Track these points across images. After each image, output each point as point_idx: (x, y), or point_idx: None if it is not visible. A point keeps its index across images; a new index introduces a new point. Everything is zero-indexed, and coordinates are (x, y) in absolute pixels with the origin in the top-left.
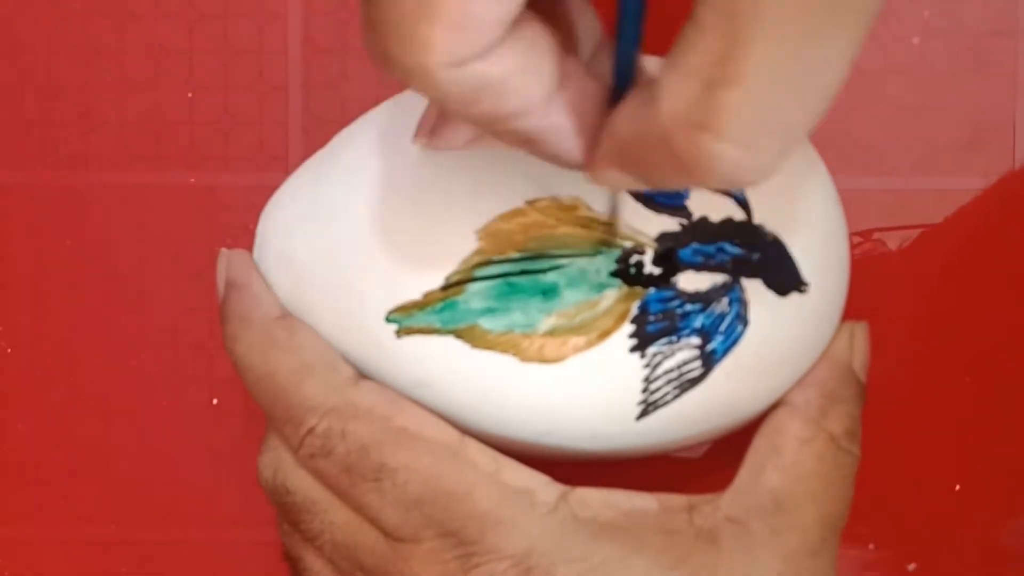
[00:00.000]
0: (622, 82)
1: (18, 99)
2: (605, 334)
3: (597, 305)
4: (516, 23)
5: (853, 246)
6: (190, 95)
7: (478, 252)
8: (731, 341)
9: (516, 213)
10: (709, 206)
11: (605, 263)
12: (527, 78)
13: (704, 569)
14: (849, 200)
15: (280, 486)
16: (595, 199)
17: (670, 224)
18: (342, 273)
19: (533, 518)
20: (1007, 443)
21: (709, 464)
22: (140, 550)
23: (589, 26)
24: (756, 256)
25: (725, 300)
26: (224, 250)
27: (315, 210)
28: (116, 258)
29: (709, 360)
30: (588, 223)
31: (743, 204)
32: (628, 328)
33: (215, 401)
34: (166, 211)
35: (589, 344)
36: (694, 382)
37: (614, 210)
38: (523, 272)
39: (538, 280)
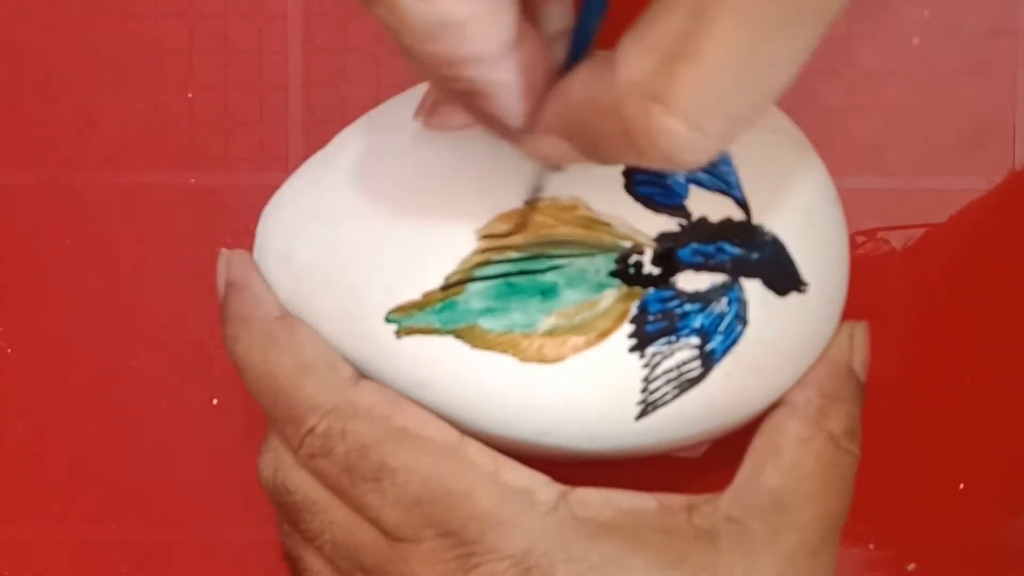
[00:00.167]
0: (579, 50)
1: (18, 99)
2: (604, 334)
3: (596, 305)
4: None
5: (856, 245)
6: (190, 95)
7: (478, 252)
8: (730, 341)
9: (516, 213)
10: (708, 206)
11: (604, 263)
12: (487, 26)
13: (703, 569)
14: (849, 200)
15: (280, 486)
16: (595, 199)
17: (669, 224)
18: (342, 273)
19: (533, 518)
20: (1007, 443)
21: (709, 464)
22: (140, 550)
23: (558, 9)
24: (755, 256)
25: (724, 300)
26: (224, 250)
27: (315, 210)
28: (116, 258)
29: (708, 360)
30: (587, 223)
31: (742, 204)
32: (627, 328)
33: (215, 401)
34: (166, 211)
35: (588, 344)
36: (693, 382)
37: (536, 191)
38: (522, 272)
39: (537, 280)
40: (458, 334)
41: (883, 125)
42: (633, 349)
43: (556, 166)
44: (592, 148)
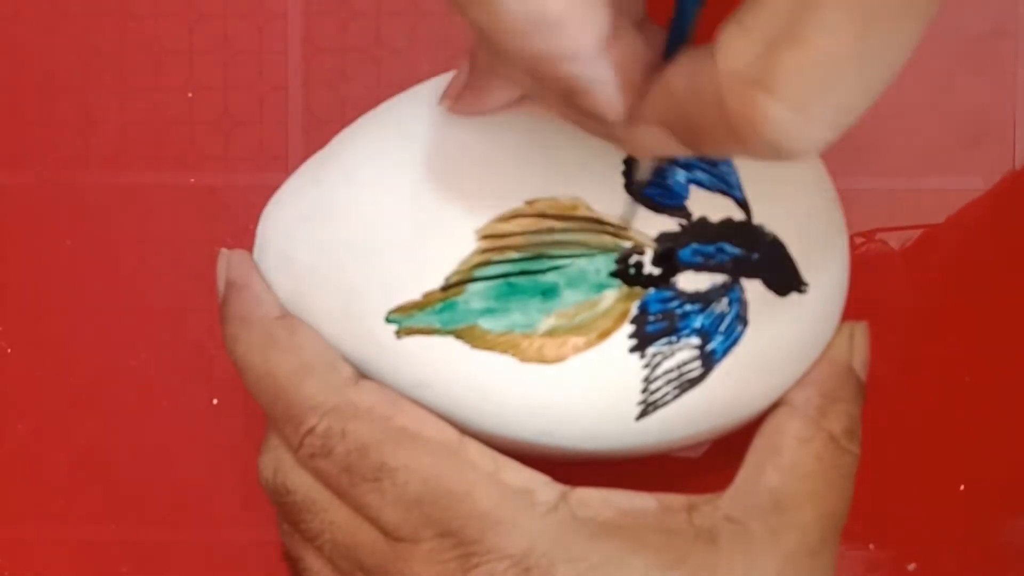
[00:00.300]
0: (678, 41)
1: (18, 99)
2: (605, 334)
3: (597, 305)
4: None
5: (856, 246)
6: (190, 95)
7: (478, 252)
8: (731, 341)
9: (516, 213)
10: (708, 206)
11: (605, 263)
12: (583, 22)
13: (703, 569)
14: (848, 200)
15: (280, 486)
16: (595, 199)
17: (670, 224)
18: (342, 273)
19: (533, 518)
20: (1007, 443)
21: (709, 464)
22: (140, 550)
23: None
24: (755, 256)
25: (725, 300)
26: (224, 250)
27: (315, 210)
28: (116, 258)
29: (709, 360)
30: (588, 223)
31: (742, 204)
32: (628, 328)
33: (215, 401)
34: (166, 211)
35: (589, 344)
36: (694, 382)
37: (629, 214)
38: (523, 272)
39: (538, 280)
40: (458, 334)
41: (883, 125)
42: (633, 349)
43: (657, 159)
44: (696, 139)
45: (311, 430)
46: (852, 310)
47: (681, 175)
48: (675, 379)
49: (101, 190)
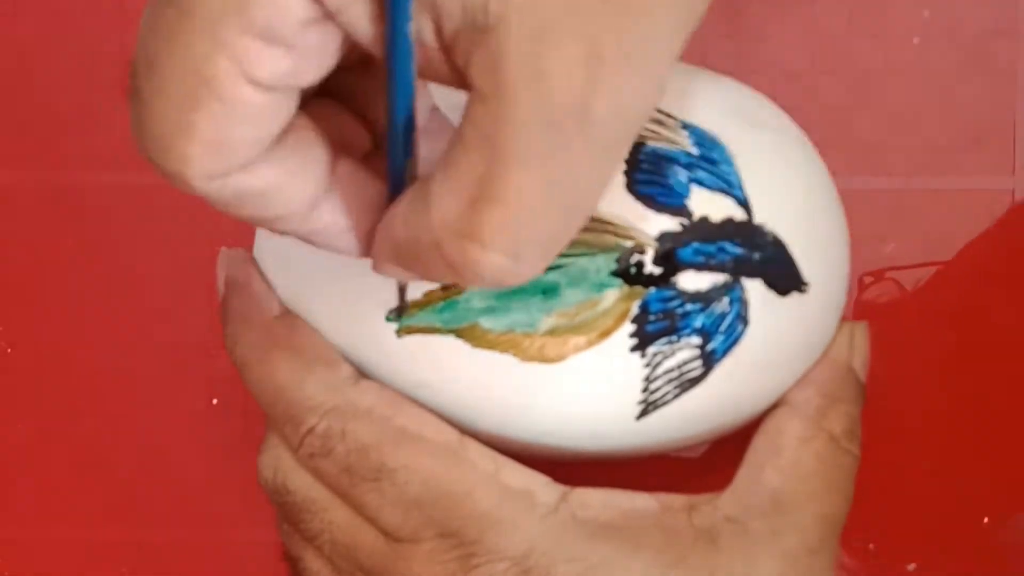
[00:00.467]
0: (395, 184)
1: (18, 99)
2: (605, 334)
3: (597, 304)
4: (284, 133)
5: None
6: None
7: None
8: (731, 341)
9: None
10: (710, 206)
11: (605, 262)
12: (289, 188)
13: (703, 569)
14: (849, 200)
15: (280, 486)
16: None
17: (670, 224)
18: (342, 272)
19: (533, 519)
20: (1008, 442)
21: (709, 463)
22: (139, 550)
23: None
24: (757, 256)
25: (725, 300)
26: (224, 249)
27: None
28: (116, 258)
29: (709, 360)
30: (589, 222)
31: (744, 204)
32: (628, 328)
33: (215, 401)
34: (166, 211)
35: (589, 344)
36: (694, 382)
37: (402, 297)
38: None
39: (538, 279)
40: (459, 333)
41: (884, 125)
42: (634, 349)
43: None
44: (428, 276)
45: (311, 430)
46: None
47: (682, 174)
48: (675, 379)
49: (101, 190)
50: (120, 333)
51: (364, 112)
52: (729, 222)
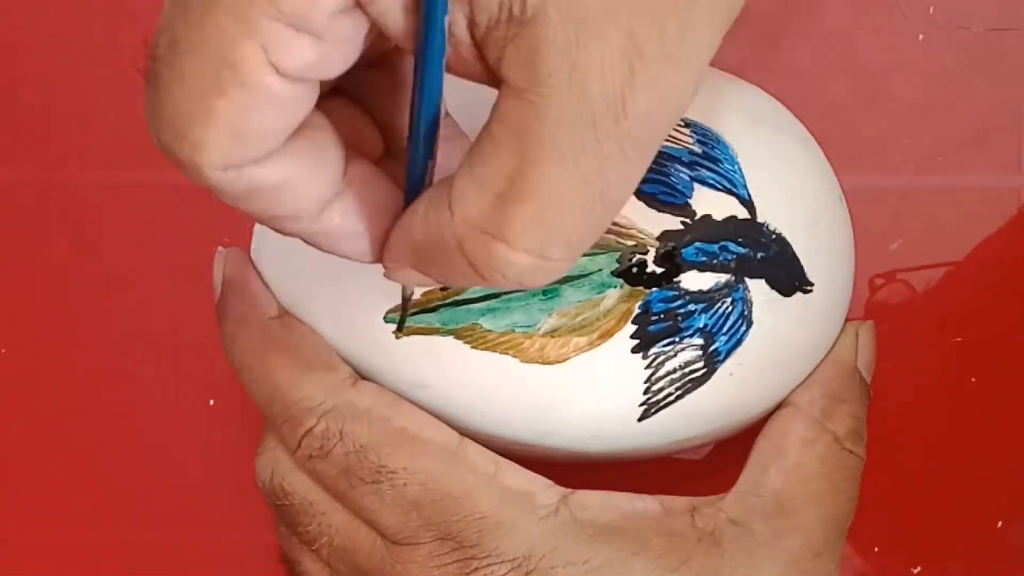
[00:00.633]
0: (414, 185)
1: (14, 96)
2: (607, 334)
3: (599, 305)
4: (299, 129)
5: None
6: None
7: None
8: (734, 341)
9: None
10: (712, 205)
11: (607, 262)
12: (302, 186)
13: (706, 571)
14: (854, 199)
15: (277, 488)
16: None
17: (672, 223)
18: (340, 272)
19: (533, 521)
20: (1014, 445)
21: (711, 465)
22: (136, 551)
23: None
24: (760, 255)
25: (728, 300)
26: (221, 249)
27: None
28: (112, 257)
29: (712, 360)
30: None
31: (747, 203)
32: (630, 328)
33: (212, 402)
34: (163, 209)
35: (591, 344)
36: (697, 383)
37: (405, 300)
38: None
39: None
40: (458, 334)
41: (889, 122)
42: (636, 349)
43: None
44: (446, 279)
45: (309, 431)
46: (856, 311)
47: (685, 173)
48: (678, 380)
49: (97, 188)
50: (117, 333)
51: (376, 114)
52: (732, 221)
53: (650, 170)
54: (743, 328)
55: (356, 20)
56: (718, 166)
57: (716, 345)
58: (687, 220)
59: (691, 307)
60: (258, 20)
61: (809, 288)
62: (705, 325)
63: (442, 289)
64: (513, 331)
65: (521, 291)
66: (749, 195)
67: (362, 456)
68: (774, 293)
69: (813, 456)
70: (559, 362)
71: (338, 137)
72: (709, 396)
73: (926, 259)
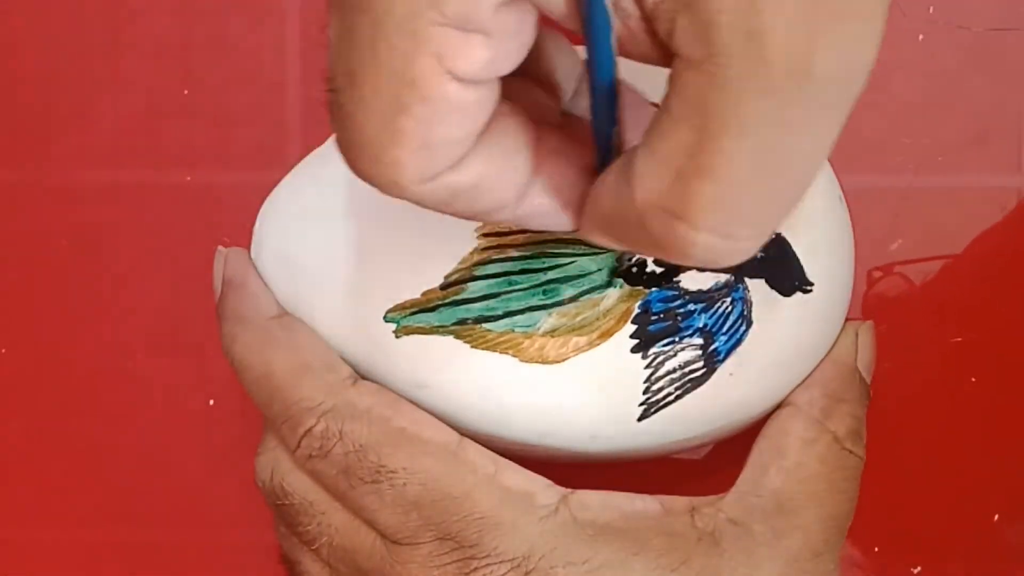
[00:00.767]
0: (603, 153)
1: (13, 96)
2: (606, 334)
3: (598, 304)
4: (487, 125)
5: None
6: (186, 92)
7: (478, 251)
8: (734, 341)
9: None
10: None
11: (606, 262)
12: (500, 178)
13: (706, 571)
14: (854, 198)
15: (277, 487)
16: None
17: None
18: (340, 272)
19: (532, 521)
20: (1013, 445)
21: (711, 465)
22: (136, 552)
23: (569, 65)
24: (759, 255)
25: (728, 300)
26: (221, 248)
27: (313, 208)
28: (111, 257)
29: (712, 360)
30: None
31: None
32: (629, 328)
33: (212, 402)
34: (162, 210)
35: (590, 344)
36: (697, 383)
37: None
38: (523, 271)
39: (538, 279)
40: (458, 334)
41: (888, 122)
42: (635, 349)
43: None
44: (639, 250)
45: (309, 431)
46: (856, 311)
47: None
48: (677, 379)
49: (96, 188)
50: (116, 333)
51: (548, 77)
52: None
53: None
54: (743, 328)
55: (521, 10)
56: None
57: (716, 345)
58: None
59: (691, 307)
60: (426, 30)
61: (809, 288)
62: (705, 325)
63: (442, 289)
64: (513, 331)
65: (522, 290)
66: None
67: (362, 456)
68: (774, 293)
69: (813, 456)
70: (559, 362)
71: (522, 120)
72: (709, 396)
73: (926, 257)
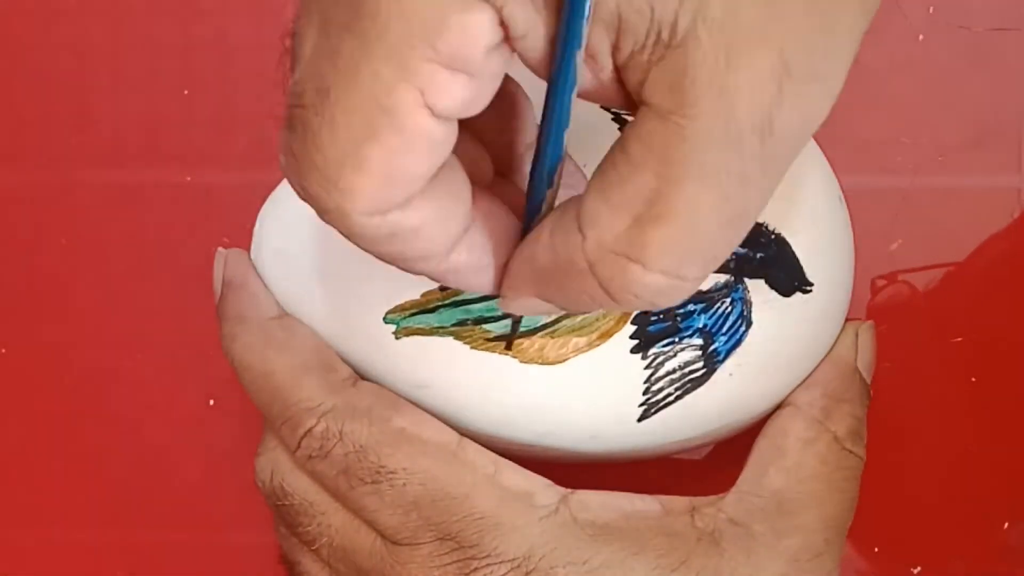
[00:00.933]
0: (533, 212)
1: (12, 97)
2: (606, 335)
3: None
4: (438, 170)
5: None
6: (186, 92)
7: None
8: (734, 342)
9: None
10: None
11: None
12: (439, 226)
13: (706, 571)
14: (854, 199)
15: (277, 488)
16: None
17: None
18: (340, 272)
19: (532, 521)
20: (1013, 446)
21: (711, 465)
22: (136, 553)
23: (530, 125)
24: (759, 256)
25: (728, 300)
26: (221, 249)
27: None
28: (111, 258)
29: (712, 361)
30: None
31: None
32: (629, 328)
33: (212, 402)
34: (162, 210)
35: (590, 344)
36: (696, 383)
37: (515, 323)
38: None
39: None
40: (458, 335)
41: (888, 122)
42: (635, 350)
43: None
44: (569, 304)
45: (309, 431)
46: (856, 312)
47: None
48: (677, 380)
49: (96, 188)
50: (116, 334)
51: (488, 138)
52: None
53: None
54: (743, 328)
55: (503, 55)
56: None
57: (716, 345)
58: None
59: (690, 307)
60: (416, 63)
61: (809, 288)
62: (704, 325)
63: (441, 289)
64: None
65: None
66: None
67: (362, 456)
68: (773, 293)
69: (813, 456)
70: (558, 362)
71: (463, 173)
72: (709, 396)
73: (926, 259)
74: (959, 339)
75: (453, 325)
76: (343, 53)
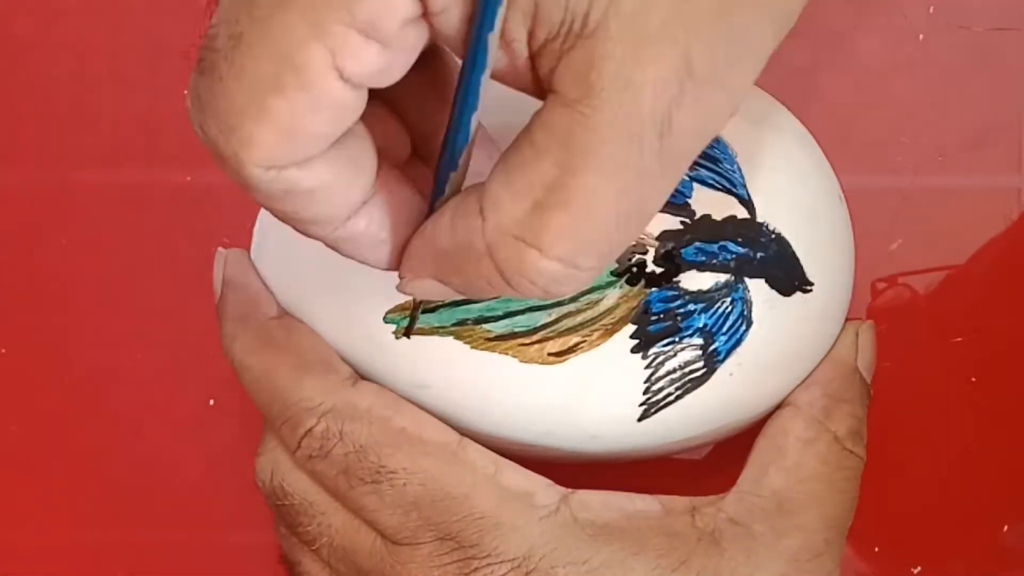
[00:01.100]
0: (439, 193)
1: (12, 97)
2: (606, 334)
3: (598, 305)
4: (342, 136)
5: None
6: (186, 92)
7: None
8: (734, 341)
9: None
10: (712, 205)
11: None
12: (336, 192)
13: (706, 571)
14: (854, 199)
15: (277, 488)
16: None
17: (672, 222)
18: (340, 272)
19: (532, 521)
20: (1013, 446)
21: (711, 465)
22: (136, 553)
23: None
24: (759, 255)
25: (728, 300)
26: (221, 249)
27: None
28: (111, 258)
29: (712, 360)
30: None
31: (746, 202)
32: (629, 328)
33: (212, 402)
34: (162, 210)
35: (590, 344)
36: (697, 383)
37: (415, 307)
38: None
39: None
40: (458, 334)
41: (888, 122)
42: (635, 349)
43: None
44: (467, 288)
45: (309, 431)
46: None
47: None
48: (678, 379)
49: (96, 188)
50: (116, 333)
51: (406, 117)
52: (731, 221)
53: None
54: (743, 328)
55: (420, 30)
56: (717, 165)
57: (716, 345)
58: (686, 220)
59: (691, 307)
60: (331, 24)
61: (809, 288)
62: (705, 325)
63: None
64: (513, 331)
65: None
66: (748, 195)
67: (362, 456)
68: (774, 293)
69: (813, 456)
70: (559, 362)
71: (371, 145)
72: (709, 396)
73: (926, 259)
74: (959, 339)
75: (453, 325)
76: (260, 2)
